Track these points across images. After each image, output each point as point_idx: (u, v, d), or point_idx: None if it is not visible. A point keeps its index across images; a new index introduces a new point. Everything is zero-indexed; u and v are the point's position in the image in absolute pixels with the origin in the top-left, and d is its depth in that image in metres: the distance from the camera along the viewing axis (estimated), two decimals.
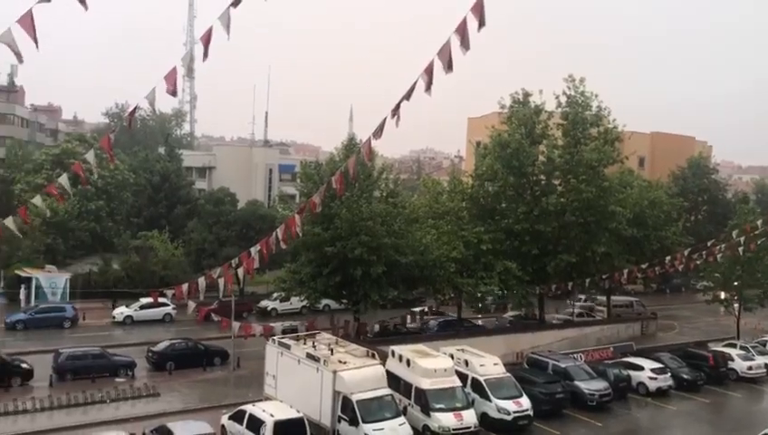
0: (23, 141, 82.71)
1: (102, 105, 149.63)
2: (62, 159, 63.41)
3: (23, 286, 48.92)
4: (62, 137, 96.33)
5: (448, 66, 13.72)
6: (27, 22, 8.85)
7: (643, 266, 42.64)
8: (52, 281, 49.46)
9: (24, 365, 33.13)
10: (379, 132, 17.00)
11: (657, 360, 36.57)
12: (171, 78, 12.96)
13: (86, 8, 9.27)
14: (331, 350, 27.48)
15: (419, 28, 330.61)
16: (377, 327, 42.92)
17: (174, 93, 13.25)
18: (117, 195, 65.14)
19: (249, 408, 25.44)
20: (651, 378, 34.77)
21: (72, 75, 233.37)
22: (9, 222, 20.31)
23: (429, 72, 14.23)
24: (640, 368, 35.33)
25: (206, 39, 12.32)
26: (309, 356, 27.03)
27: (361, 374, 26.00)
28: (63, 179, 19.20)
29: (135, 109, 15.69)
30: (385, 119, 16.27)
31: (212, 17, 12.22)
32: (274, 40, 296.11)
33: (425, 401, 27.15)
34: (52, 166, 63.10)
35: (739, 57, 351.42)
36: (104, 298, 50.04)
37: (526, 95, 42.52)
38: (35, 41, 8.85)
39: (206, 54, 12.42)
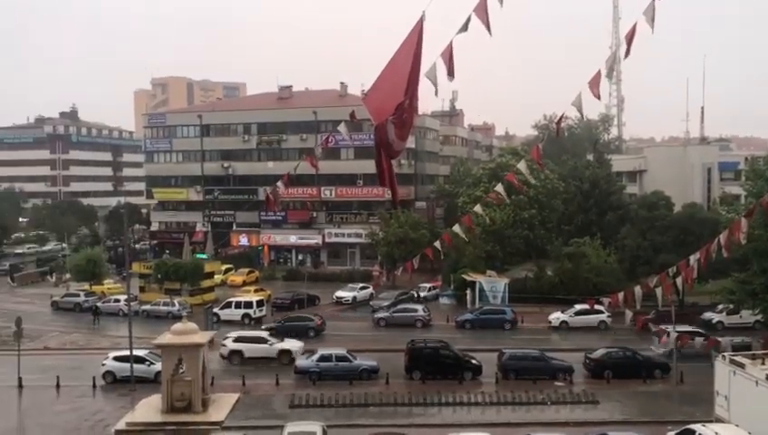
0: (463, 159, 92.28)
1: (531, 119, 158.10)
2: (496, 172, 68.39)
3: (468, 289, 54.14)
4: (496, 152, 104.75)
5: None
6: (446, 54, 9.49)
7: None
8: (493, 285, 53.48)
9: (473, 361, 36.33)
10: None
11: None
12: (595, 81, 12.67)
13: (490, 34, 9.59)
14: None
15: None
16: None
17: (598, 96, 12.99)
18: (548, 203, 67.35)
19: (699, 428, 23.26)
20: None
21: (502, 94, 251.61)
22: (457, 229, 23.17)
23: None
24: None
25: (630, 36, 11.67)
26: None
27: None
28: (500, 188, 20.56)
29: (561, 117, 15.77)
30: None
31: (636, 13, 11.49)
32: (708, 26, 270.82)
33: None
34: (488, 179, 68.27)
35: None
36: (540, 303, 51.92)
37: None
38: (450, 72, 9.41)
39: (627, 52, 11.78)
